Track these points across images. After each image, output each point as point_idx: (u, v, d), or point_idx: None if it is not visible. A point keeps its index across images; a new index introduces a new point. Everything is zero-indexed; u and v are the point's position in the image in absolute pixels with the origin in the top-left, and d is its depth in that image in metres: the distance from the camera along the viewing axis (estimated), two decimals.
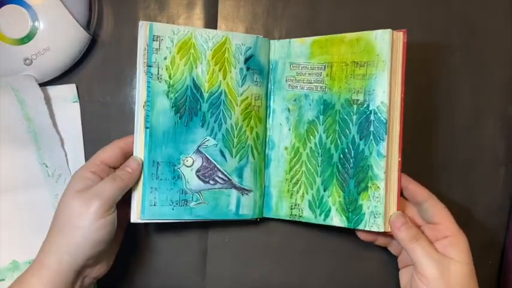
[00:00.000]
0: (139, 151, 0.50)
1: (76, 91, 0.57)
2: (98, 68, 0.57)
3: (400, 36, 0.49)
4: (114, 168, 0.49)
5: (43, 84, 0.55)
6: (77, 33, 0.53)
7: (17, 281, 0.45)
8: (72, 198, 0.45)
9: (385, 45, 0.48)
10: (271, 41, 0.54)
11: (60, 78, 0.56)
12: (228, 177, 0.52)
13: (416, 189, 0.50)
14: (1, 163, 0.54)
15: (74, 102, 0.57)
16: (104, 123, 0.57)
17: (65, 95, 0.56)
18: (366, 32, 0.49)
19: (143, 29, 0.50)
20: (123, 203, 0.49)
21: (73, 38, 0.53)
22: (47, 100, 0.55)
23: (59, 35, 0.53)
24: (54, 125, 0.55)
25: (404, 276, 0.52)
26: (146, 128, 0.50)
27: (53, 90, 0.56)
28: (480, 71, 0.58)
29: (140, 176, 0.50)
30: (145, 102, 0.50)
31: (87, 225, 0.44)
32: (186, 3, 0.57)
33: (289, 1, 0.57)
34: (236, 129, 0.52)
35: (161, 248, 0.57)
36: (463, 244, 0.47)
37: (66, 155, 0.56)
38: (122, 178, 0.47)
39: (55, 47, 0.53)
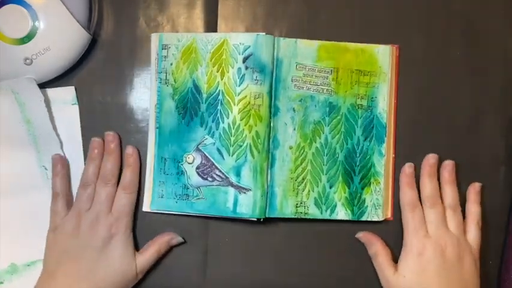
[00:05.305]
0: (151, 148, 0.56)
1: (75, 93, 0.56)
2: (98, 68, 0.57)
3: (394, 50, 0.56)
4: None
5: (43, 85, 0.55)
6: (77, 33, 0.53)
7: None
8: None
9: (385, 58, 0.55)
10: (276, 38, 0.54)
11: (60, 78, 0.56)
12: (225, 175, 0.53)
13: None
14: (1, 166, 0.54)
15: (73, 104, 0.56)
16: (104, 124, 0.57)
17: (64, 97, 0.56)
18: (369, 45, 0.55)
19: (154, 39, 0.55)
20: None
21: (73, 38, 0.53)
22: (47, 103, 0.55)
23: (59, 35, 0.53)
24: (54, 127, 0.55)
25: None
26: (156, 127, 0.55)
27: (52, 92, 0.56)
28: (480, 71, 0.58)
29: (152, 170, 0.56)
30: (155, 105, 0.55)
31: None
32: (186, 3, 0.57)
33: (289, 1, 0.57)
34: (233, 128, 0.53)
35: None
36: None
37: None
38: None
39: (55, 47, 0.53)
